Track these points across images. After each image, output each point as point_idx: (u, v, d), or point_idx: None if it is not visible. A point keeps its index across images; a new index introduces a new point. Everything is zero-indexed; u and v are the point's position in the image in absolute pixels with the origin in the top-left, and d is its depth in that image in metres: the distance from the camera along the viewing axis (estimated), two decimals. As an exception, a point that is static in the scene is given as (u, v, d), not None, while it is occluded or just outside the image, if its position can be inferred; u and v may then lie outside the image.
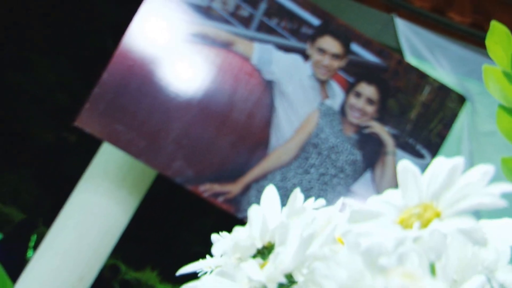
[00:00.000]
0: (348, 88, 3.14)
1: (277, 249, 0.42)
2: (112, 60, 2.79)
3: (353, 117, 3.18)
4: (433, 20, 3.61)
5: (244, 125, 2.98)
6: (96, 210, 3.26)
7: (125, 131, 2.81)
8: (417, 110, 3.23)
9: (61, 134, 7.15)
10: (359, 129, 3.19)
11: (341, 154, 3.11)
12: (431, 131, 3.22)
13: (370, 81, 3.19)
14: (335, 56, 3.13)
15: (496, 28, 0.46)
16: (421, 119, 3.22)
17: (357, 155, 3.15)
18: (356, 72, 3.16)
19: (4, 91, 7.16)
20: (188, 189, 2.89)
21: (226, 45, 2.95)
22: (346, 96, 3.13)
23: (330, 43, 3.11)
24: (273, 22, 3.02)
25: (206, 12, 2.91)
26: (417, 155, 3.17)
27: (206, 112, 2.91)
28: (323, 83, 3.12)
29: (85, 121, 2.79)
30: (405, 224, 0.38)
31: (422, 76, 3.22)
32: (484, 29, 3.44)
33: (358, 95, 3.16)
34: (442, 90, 3.22)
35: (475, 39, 3.37)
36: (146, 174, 3.29)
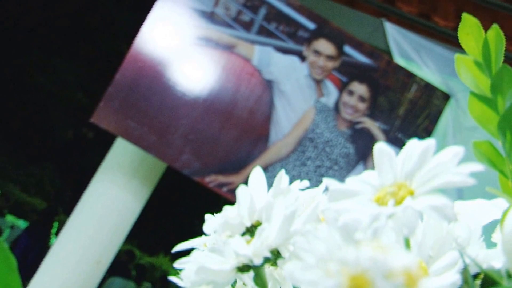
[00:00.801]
0: (342, 87, 3.13)
1: (262, 226, 0.41)
2: (124, 61, 2.79)
3: (346, 113, 3.18)
4: (419, 24, 3.60)
5: (246, 121, 2.98)
6: (111, 199, 3.26)
7: (137, 127, 2.81)
8: (405, 107, 3.23)
9: (80, 130, 7.15)
10: (352, 124, 3.18)
11: (335, 148, 3.11)
12: (418, 126, 3.22)
13: (361, 80, 3.19)
14: (330, 58, 3.12)
15: (467, 20, 0.45)
16: (409, 115, 3.21)
17: (350, 149, 3.15)
18: (349, 72, 3.16)
19: (28, 91, 7.16)
20: (194, 180, 2.89)
21: (229, 48, 2.95)
22: (340, 94, 3.13)
23: (324, 46, 3.10)
24: (272, 26, 3.01)
25: (210, 17, 2.91)
26: (405, 148, 3.17)
27: (211, 109, 2.91)
28: (318, 82, 3.11)
29: (100, 118, 2.79)
30: (380, 202, 0.38)
31: (410, 76, 3.22)
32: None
33: (350, 93, 3.15)
34: (428, 88, 3.22)
35: (458, 41, 3.35)
36: (156, 167, 3.29)
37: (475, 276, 0.43)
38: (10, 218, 8.07)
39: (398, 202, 0.37)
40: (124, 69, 2.79)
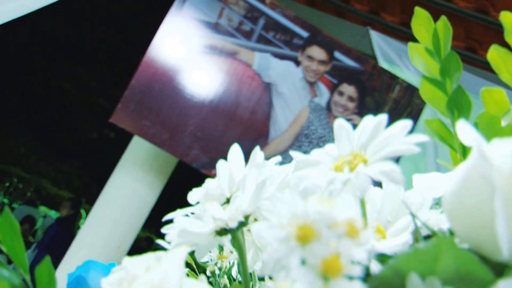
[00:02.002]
0: (333, 88, 3.13)
1: (236, 193, 0.42)
2: (138, 68, 2.79)
3: (337, 112, 3.18)
4: (401, 32, 3.60)
5: (248, 120, 2.98)
6: (129, 191, 3.27)
7: (151, 126, 2.82)
8: (389, 105, 3.22)
9: (102, 131, 7.17)
10: (342, 122, 3.17)
11: (328, 142, 3.08)
12: (401, 122, 3.21)
13: (350, 82, 3.19)
14: (322, 62, 3.12)
15: (419, 13, 0.46)
16: (393, 112, 3.21)
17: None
18: (339, 75, 3.16)
19: (57, 97, 7.17)
20: (203, 173, 2.90)
21: (231, 54, 2.95)
22: (331, 95, 3.13)
23: (317, 52, 3.10)
24: (270, 35, 3.01)
25: (215, 27, 2.91)
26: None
27: (216, 109, 2.91)
28: (312, 84, 3.11)
29: (118, 119, 2.79)
30: (338, 170, 0.38)
31: (393, 78, 3.22)
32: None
33: (341, 93, 3.16)
34: (410, 89, 3.21)
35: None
36: (169, 161, 3.30)
37: (427, 237, 0.43)
38: (42, 209, 8.10)
39: (352, 169, 0.37)
40: (138, 75, 2.79)
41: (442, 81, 0.45)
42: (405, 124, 0.38)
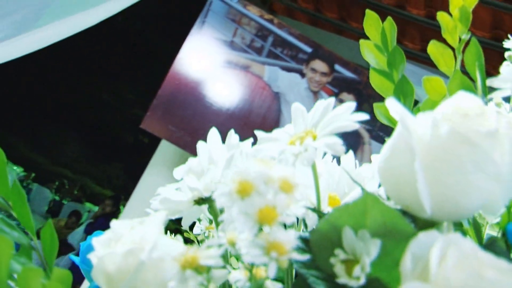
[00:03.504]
0: (334, 97, 3.13)
1: (209, 166, 0.42)
2: (165, 80, 2.82)
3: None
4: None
5: (260, 125, 2.99)
6: (158, 188, 3.29)
7: (176, 131, 2.83)
8: (384, 111, 3.21)
9: (138, 136, 7.24)
10: (343, 126, 3.17)
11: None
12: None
13: (349, 91, 3.18)
14: (324, 74, 3.12)
15: (370, 15, 0.46)
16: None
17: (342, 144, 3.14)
18: (339, 85, 3.15)
19: (99, 107, 7.25)
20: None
21: (245, 68, 2.96)
22: (332, 102, 3.13)
23: (319, 65, 3.10)
24: (278, 51, 3.02)
25: (230, 45, 2.92)
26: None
27: (232, 115, 2.92)
28: (315, 93, 3.11)
29: (148, 124, 2.82)
30: (292, 144, 0.38)
31: (386, 86, 3.20)
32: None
33: (341, 101, 3.15)
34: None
35: (422, 59, 3.35)
36: (192, 161, 3.31)
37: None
38: (88, 205, 8.18)
39: (303, 143, 0.37)
40: (165, 86, 2.82)
41: (389, 72, 0.45)
42: (349, 105, 0.38)
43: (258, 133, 0.40)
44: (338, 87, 3.15)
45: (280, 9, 3.77)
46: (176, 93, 2.84)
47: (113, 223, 0.39)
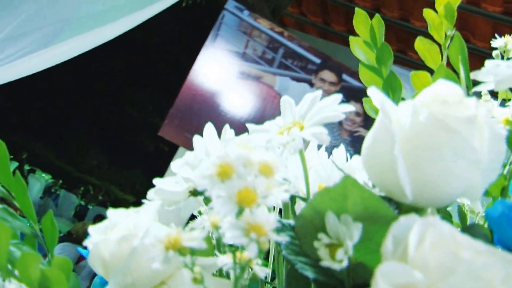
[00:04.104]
0: (342, 105, 3.12)
1: (202, 159, 0.42)
2: (181, 90, 2.83)
3: (347, 125, 3.16)
4: (398, 58, 3.56)
5: (272, 132, 2.98)
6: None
7: (192, 138, 2.83)
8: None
9: (158, 145, 7.27)
10: (351, 133, 3.15)
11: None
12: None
13: (357, 100, 3.16)
14: (332, 83, 3.11)
15: (359, 12, 0.45)
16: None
17: (351, 151, 3.12)
18: (347, 94, 3.14)
19: (121, 118, 7.31)
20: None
21: (257, 78, 2.96)
22: (340, 110, 3.11)
23: (328, 75, 3.10)
24: (288, 62, 3.01)
25: (242, 56, 2.93)
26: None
27: (245, 123, 2.92)
28: (324, 102, 3.10)
29: (165, 132, 2.83)
30: (280, 135, 0.38)
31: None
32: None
33: (348, 109, 3.14)
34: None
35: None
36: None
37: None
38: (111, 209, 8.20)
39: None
40: (181, 96, 2.83)
41: (378, 67, 0.44)
42: (336, 97, 0.38)
43: (249, 125, 0.40)
44: (346, 96, 3.14)
45: (290, 23, 3.77)
46: (192, 102, 2.85)
47: (110, 212, 0.38)
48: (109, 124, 7.35)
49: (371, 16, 0.43)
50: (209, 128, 0.45)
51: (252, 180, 0.27)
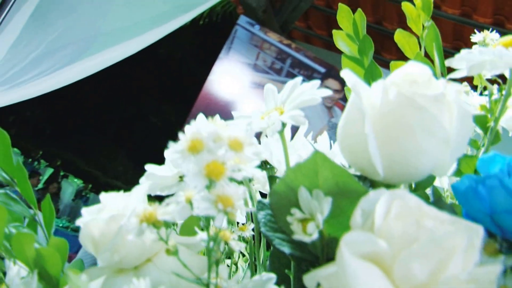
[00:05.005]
0: (346, 111, 3.10)
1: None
2: (197, 100, 2.83)
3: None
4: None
5: (282, 137, 2.97)
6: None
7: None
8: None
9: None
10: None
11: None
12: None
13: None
14: (336, 91, 3.09)
15: (342, 8, 0.44)
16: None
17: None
18: (351, 101, 3.12)
19: (146, 127, 7.37)
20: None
21: (267, 87, 2.96)
22: (345, 116, 3.10)
23: (332, 83, 3.07)
24: (295, 71, 3.00)
25: (254, 67, 2.92)
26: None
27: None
28: (329, 108, 3.07)
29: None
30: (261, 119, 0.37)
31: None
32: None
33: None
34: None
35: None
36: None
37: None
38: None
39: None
40: (197, 104, 2.83)
41: (360, 58, 0.43)
42: (314, 83, 0.37)
43: (235, 112, 0.39)
44: (350, 103, 3.12)
45: (297, 35, 3.76)
46: (207, 111, 2.84)
47: (102, 195, 0.37)
48: (134, 132, 7.42)
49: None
50: (200, 117, 0.43)
51: (222, 155, 0.26)
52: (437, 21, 0.43)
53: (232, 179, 0.26)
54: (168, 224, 0.27)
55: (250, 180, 0.40)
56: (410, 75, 0.30)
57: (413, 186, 0.39)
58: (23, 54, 2.29)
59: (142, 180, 0.40)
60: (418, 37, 0.42)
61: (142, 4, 2.57)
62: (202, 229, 0.36)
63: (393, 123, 0.29)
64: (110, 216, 0.34)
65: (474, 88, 0.48)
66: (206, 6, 2.77)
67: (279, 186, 0.29)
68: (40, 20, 2.40)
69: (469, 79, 0.45)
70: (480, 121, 0.38)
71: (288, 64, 2.99)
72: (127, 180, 8.45)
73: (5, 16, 2.10)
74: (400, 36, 0.42)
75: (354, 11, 0.42)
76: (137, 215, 0.27)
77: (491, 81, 0.46)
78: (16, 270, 0.38)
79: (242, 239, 0.45)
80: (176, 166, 0.26)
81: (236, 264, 0.51)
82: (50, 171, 7.43)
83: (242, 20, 3.04)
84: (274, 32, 3.01)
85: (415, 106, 0.28)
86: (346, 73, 0.31)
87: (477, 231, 0.24)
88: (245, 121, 0.35)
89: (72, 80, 2.60)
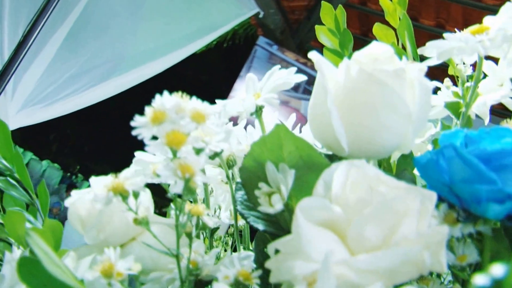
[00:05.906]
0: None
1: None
2: (219, 114, 2.85)
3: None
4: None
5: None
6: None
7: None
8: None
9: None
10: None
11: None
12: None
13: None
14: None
15: (325, 6, 0.44)
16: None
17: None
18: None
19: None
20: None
21: (285, 103, 2.95)
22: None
23: (347, 98, 3.06)
24: (311, 88, 2.99)
25: (271, 84, 2.93)
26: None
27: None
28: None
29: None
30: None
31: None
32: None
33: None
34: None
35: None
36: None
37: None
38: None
39: (247, 101, 0.35)
40: (219, 119, 2.85)
41: (341, 51, 0.43)
42: (290, 70, 0.36)
43: (218, 101, 0.39)
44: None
45: (314, 55, 3.76)
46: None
47: (92, 179, 0.37)
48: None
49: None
50: (165, 92, 0.43)
51: (184, 125, 0.25)
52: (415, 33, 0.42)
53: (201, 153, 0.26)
54: (136, 194, 0.27)
55: (232, 162, 0.39)
56: (373, 54, 0.29)
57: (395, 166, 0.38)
58: (58, 73, 2.35)
59: (131, 166, 0.40)
60: (395, 30, 0.41)
61: (168, 26, 2.62)
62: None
63: (356, 99, 0.28)
64: (95, 195, 0.34)
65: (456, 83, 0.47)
66: (228, 27, 2.80)
67: (246, 160, 0.29)
68: (73, 42, 2.46)
69: (452, 78, 0.43)
70: (453, 107, 0.37)
71: (304, 81, 2.98)
72: (153, 186, 8.55)
73: (38, 37, 2.16)
74: (378, 30, 0.41)
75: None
76: (106, 185, 0.26)
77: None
78: (19, 253, 0.39)
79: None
80: (141, 138, 0.26)
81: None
82: (86, 184, 7.55)
83: (261, 40, 3.06)
84: (291, 52, 3.02)
85: (376, 81, 0.27)
86: (312, 54, 0.30)
87: (430, 197, 0.23)
88: (221, 103, 0.35)
89: (104, 97, 2.65)
